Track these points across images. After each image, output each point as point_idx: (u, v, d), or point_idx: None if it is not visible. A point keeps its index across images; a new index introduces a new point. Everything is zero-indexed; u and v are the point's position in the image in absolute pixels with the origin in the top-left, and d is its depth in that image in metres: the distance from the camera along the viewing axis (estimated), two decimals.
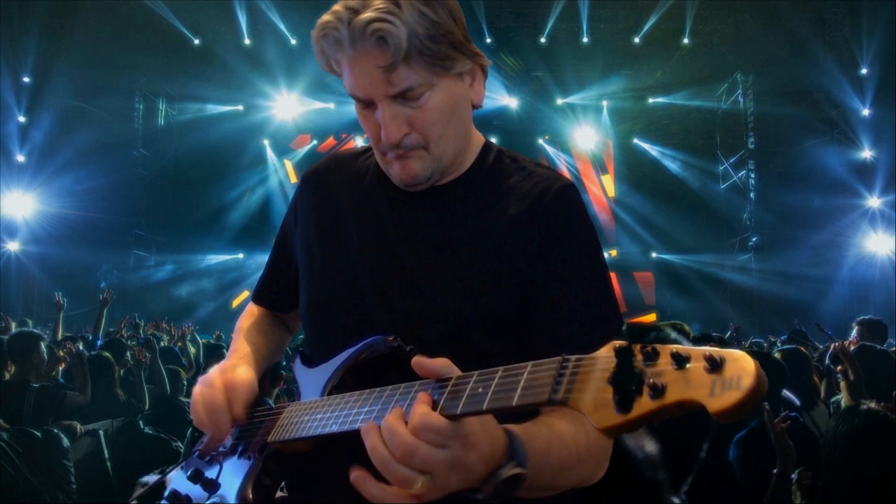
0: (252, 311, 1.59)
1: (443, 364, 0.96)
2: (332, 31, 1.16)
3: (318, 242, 1.40)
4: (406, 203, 1.33)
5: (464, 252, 1.27)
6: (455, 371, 0.96)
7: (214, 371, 1.32)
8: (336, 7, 1.16)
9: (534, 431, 1.02)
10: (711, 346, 0.73)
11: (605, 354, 0.79)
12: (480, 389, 0.88)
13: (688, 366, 0.71)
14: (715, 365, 0.69)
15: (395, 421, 0.92)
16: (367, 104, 1.23)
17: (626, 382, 0.74)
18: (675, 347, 0.73)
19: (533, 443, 0.99)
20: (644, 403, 0.72)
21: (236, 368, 1.33)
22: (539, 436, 1.03)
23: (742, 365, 0.69)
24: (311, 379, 1.30)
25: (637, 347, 0.76)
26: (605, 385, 0.75)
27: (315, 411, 1.16)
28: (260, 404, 1.34)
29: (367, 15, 1.12)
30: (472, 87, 1.29)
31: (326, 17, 1.17)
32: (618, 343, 0.78)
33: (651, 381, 0.72)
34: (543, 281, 1.24)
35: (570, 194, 1.30)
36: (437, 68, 1.19)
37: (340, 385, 1.23)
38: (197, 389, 1.29)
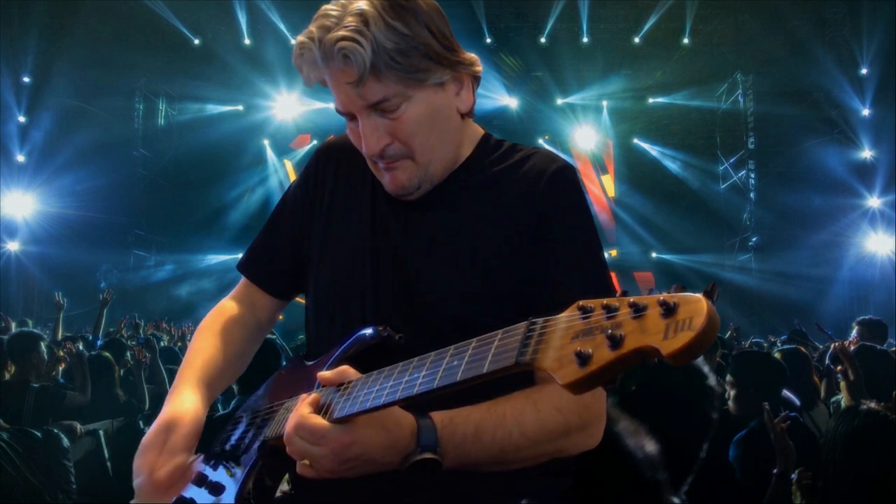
0: (222, 309, 1.53)
1: (337, 373, 1.09)
2: (307, 51, 1.21)
3: (328, 226, 1.41)
4: None
5: (465, 238, 1.29)
6: (351, 375, 1.08)
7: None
8: (312, 27, 1.20)
9: (461, 417, 1.11)
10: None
11: (569, 313, 0.80)
12: (455, 362, 0.91)
13: (644, 313, 0.72)
14: (669, 309, 0.70)
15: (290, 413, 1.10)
16: (351, 117, 1.27)
17: (586, 336, 0.75)
18: (632, 298, 0.74)
19: (454, 427, 1.10)
20: (604, 355, 0.72)
21: (181, 396, 1.32)
22: (467, 420, 1.11)
23: (694, 307, 0.69)
24: (308, 374, 1.30)
25: (599, 303, 0.77)
26: (567, 342, 0.77)
27: None
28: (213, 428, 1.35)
29: (335, 34, 1.16)
30: (459, 96, 1.29)
31: (302, 37, 1.21)
32: (582, 301, 0.79)
33: (610, 332, 0.73)
34: (542, 261, 1.26)
35: (566, 175, 1.32)
36: (411, 81, 1.21)
37: None
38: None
